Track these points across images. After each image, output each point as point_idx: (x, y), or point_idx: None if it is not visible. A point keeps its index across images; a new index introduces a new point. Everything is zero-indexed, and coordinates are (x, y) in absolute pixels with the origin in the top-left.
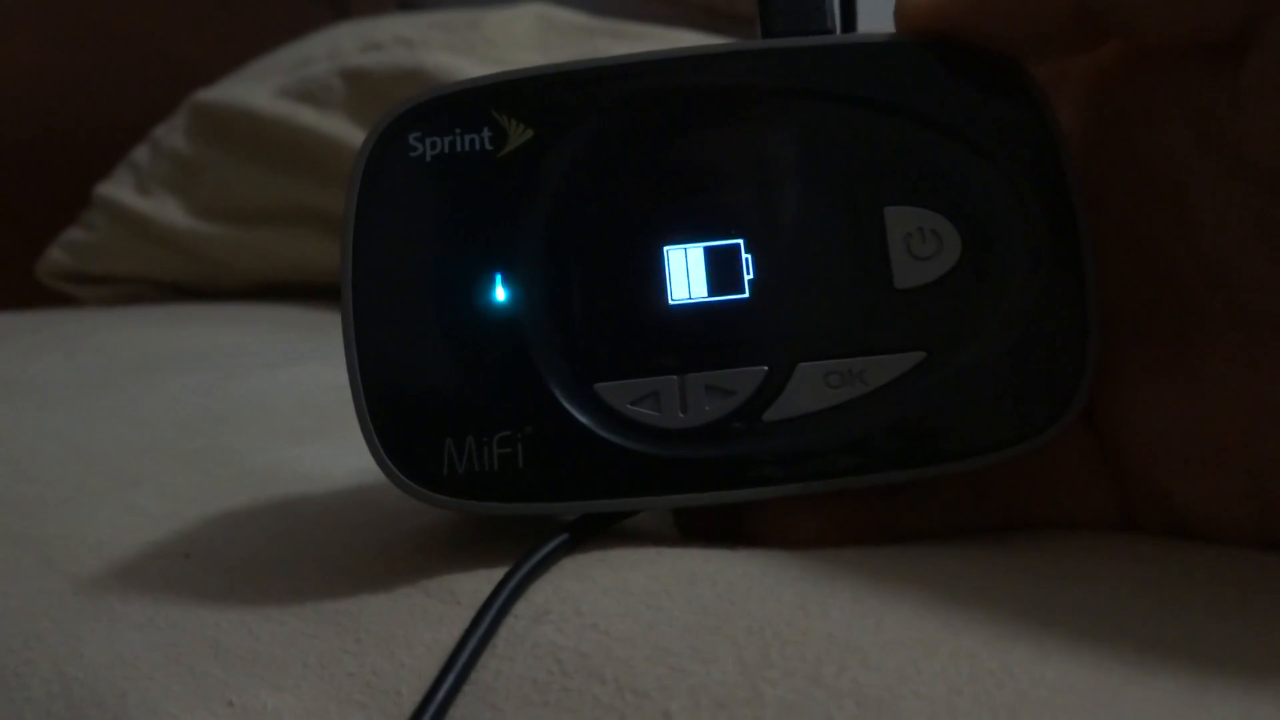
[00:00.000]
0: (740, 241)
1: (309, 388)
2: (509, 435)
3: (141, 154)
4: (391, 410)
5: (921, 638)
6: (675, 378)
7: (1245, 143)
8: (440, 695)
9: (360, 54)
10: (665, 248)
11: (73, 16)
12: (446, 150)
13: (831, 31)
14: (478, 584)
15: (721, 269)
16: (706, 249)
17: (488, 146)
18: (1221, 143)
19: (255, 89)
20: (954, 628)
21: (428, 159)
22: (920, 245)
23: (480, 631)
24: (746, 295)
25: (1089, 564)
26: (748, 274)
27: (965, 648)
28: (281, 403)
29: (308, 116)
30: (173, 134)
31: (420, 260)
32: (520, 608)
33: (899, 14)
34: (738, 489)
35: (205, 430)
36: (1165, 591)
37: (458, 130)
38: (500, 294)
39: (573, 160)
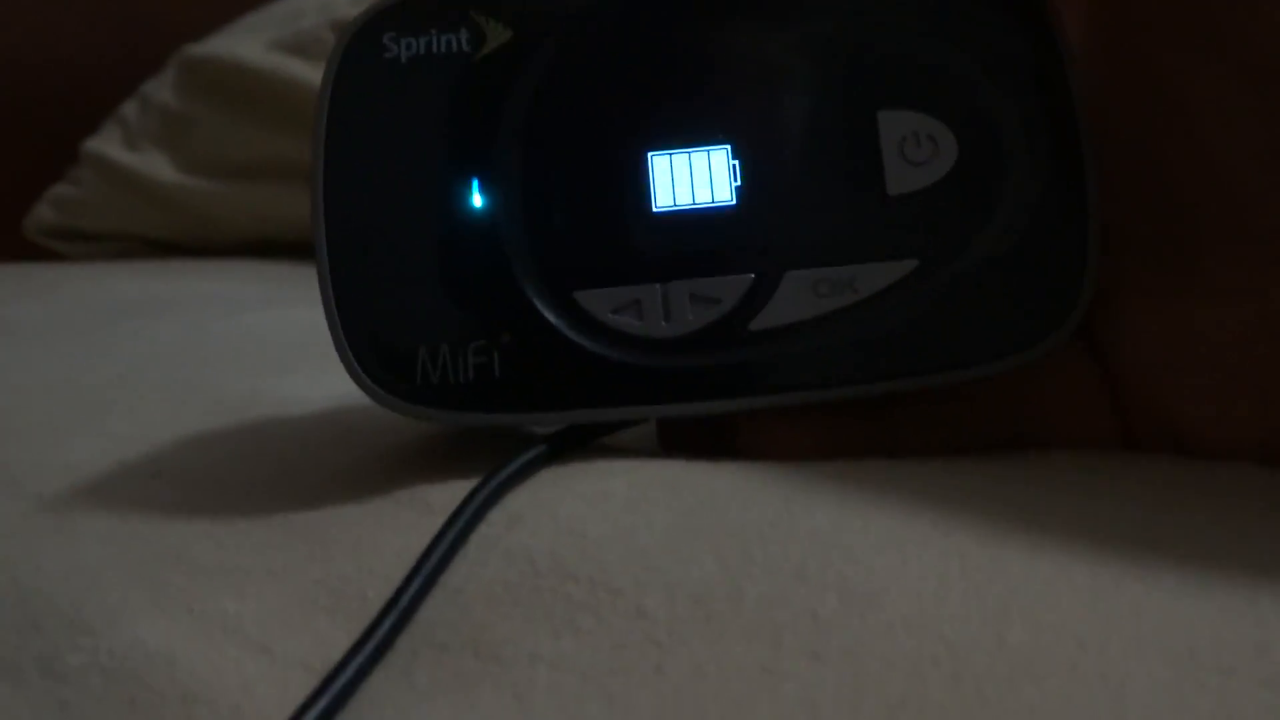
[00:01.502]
0: (727, 146)
1: (291, 327)
2: (485, 344)
3: (130, 109)
4: (364, 319)
5: (910, 536)
6: (658, 286)
7: (1257, 55)
8: (406, 598)
9: (351, 5)
10: (649, 153)
11: None
12: (422, 51)
13: None
14: (452, 493)
15: (707, 175)
16: (692, 154)
17: (465, 48)
18: (1232, 47)
19: (246, 42)
20: (945, 527)
21: (403, 60)
22: (915, 150)
23: (451, 535)
24: (733, 202)
25: (1087, 475)
26: (735, 180)
27: (955, 545)
28: (263, 340)
29: (298, 69)
30: (162, 89)
31: (394, 165)
32: (495, 515)
33: None
34: (722, 400)
35: (179, 364)
36: (1165, 499)
37: (434, 31)
38: (477, 200)
39: (553, 62)
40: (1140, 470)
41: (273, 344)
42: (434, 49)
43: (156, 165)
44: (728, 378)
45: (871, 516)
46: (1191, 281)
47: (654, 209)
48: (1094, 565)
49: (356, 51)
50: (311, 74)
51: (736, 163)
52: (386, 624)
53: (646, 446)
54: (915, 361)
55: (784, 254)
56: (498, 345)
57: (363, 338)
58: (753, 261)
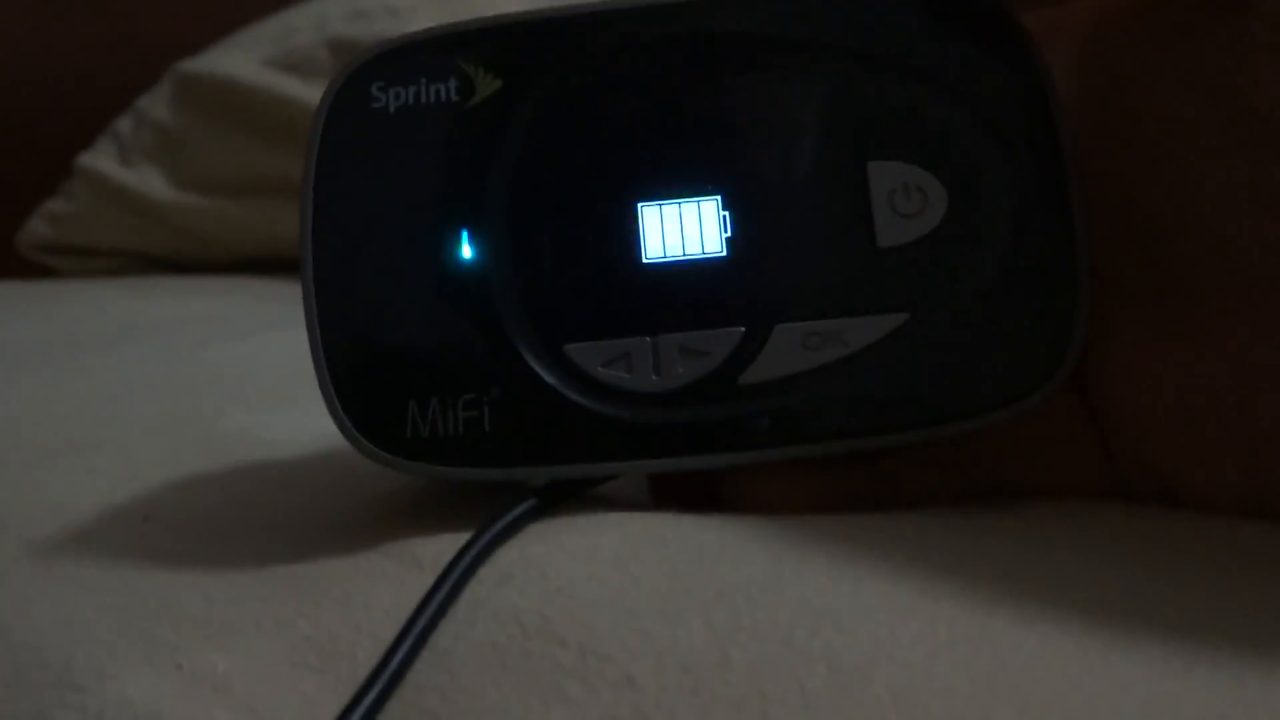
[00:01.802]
0: (718, 197)
1: (282, 355)
2: (475, 398)
3: (124, 124)
4: (353, 372)
5: (899, 603)
6: (648, 339)
7: (1250, 94)
8: (396, 660)
9: (347, 23)
10: (639, 204)
11: None
12: (411, 101)
13: None
14: (441, 548)
15: (697, 227)
16: (682, 205)
17: (454, 97)
18: (1225, 96)
19: (240, 59)
20: (933, 593)
21: (391, 110)
22: (905, 202)
23: (440, 595)
24: (723, 254)
25: (1075, 531)
26: (725, 232)
27: (944, 613)
28: (252, 370)
29: (293, 87)
30: (156, 104)
31: (383, 216)
32: (484, 572)
33: None
34: (713, 455)
35: (172, 396)
36: (1153, 561)
37: (423, 80)
38: (466, 251)
39: (543, 112)
40: (1129, 525)
41: (264, 375)
42: (423, 99)
43: (150, 181)
44: (718, 432)
45: (861, 579)
46: (1180, 331)
47: (644, 260)
48: (1081, 637)
49: (345, 101)
50: (305, 92)
51: (727, 214)
52: (376, 689)
53: (636, 496)
54: (907, 415)
55: (774, 306)
56: (488, 399)
57: (351, 391)
58: (743, 314)
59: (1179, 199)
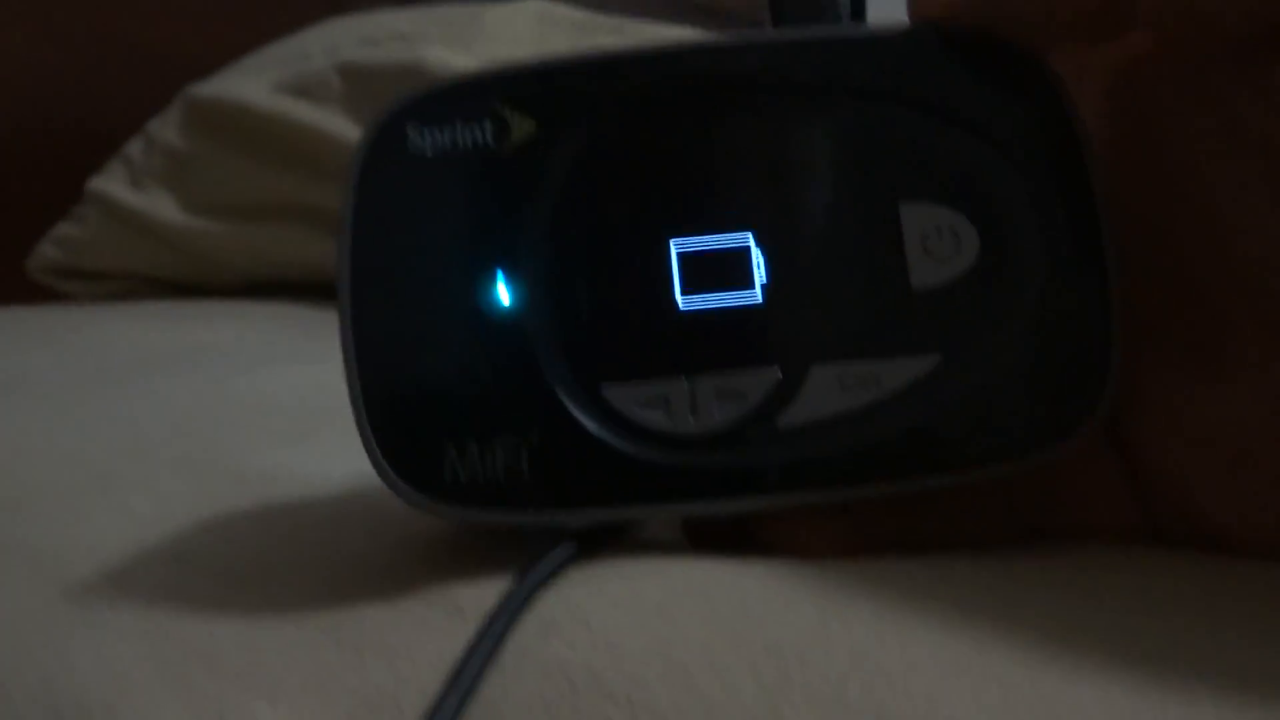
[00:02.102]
0: (751, 238)
1: (306, 387)
2: (513, 441)
3: (135, 148)
4: (391, 415)
5: (949, 656)
6: (684, 381)
7: (1277, 138)
8: (444, 714)
9: (358, 49)
10: (674, 245)
11: (67, 10)
12: (447, 144)
13: (842, 22)
14: (482, 594)
15: (732, 267)
16: (717, 247)
17: (490, 140)
18: (1254, 141)
19: (251, 83)
20: (983, 646)
21: (428, 153)
22: (937, 244)
23: (486, 646)
24: (758, 295)
25: (1119, 578)
26: (759, 272)
27: (995, 669)
28: (277, 403)
29: (304, 112)
30: (166, 128)
31: (420, 259)
32: (527, 620)
33: (913, 2)
34: (751, 497)
35: (199, 431)
36: (1196, 609)
37: (459, 123)
38: (503, 294)
39: (578, 155)
40: (1169, 571)
41: (289, 407)
42: (459, 142)
43: (161, 205)
44: (755, 475)
45: (910, 631)
46: (1214, 375)
47: (680, 302)
48: (1133, 692)
49: (382, 144)
50: (316, 116)
51: (762, 256)
52: None
53: (673, 536)
54: (942, 458)
55: (810, 348)
56: (525, 442)
57: (390, 434)
58: (779, 355)
59: (1211, 245)
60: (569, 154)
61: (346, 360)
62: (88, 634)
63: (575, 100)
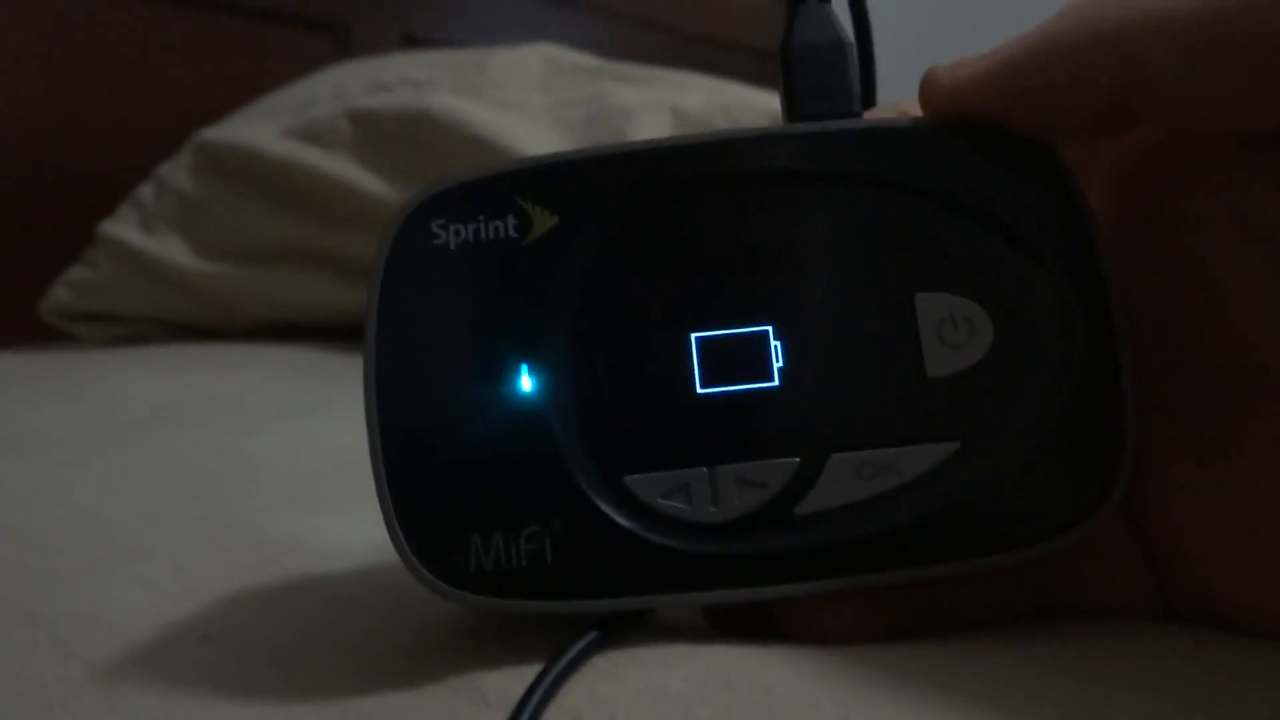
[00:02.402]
0: (769, 328)
1: (320, 446)
2: (537, 531)
3: (146, 192)
4: (416, 506)
5: None
6: (705, 470)
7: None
8: None
9: (366, 95)
10: (693, 335)
11: (76, 53)
12: (471, 238)
13: (857, 115)
14: (507, 683)
15: (750, 357)
16: (735, 336)
17: (512, 234)
18: (1259, 230)
19: (261, 129)
20: None
21: (451, 247)
22: (952, 333)
23: None
24: (776, 384)
25: (1133, 662)
26: (777, 362)
27: None
28: (293, 464)
29: (314, 157)
30: (177, 173)
31: (444, 350)
32: (552, 712)
33: (925, 98)
34: (771, 585)
35: (217, 494)
36: (1214, 694)
37: (481, 218)
38: (526, 384)
39: (598, 247)
40: (1184, 656)
41: (302, 470)
42: (482, 235)
43: (172, 249)
44: (775, 563)
45: None
46: (1227, 456)
47: (699, 392)
48: None
49: (406, 238)
50: (326, 162)
51: (779, 344)
52: None
53: (695, 621)
54: (961, 545)
55: (828, 436)
56: (549, 531)
57: (416, 525)
58: (797, 444)
59: (1220, 329)
60: (590, 246)
61: (372, 449)
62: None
63: (595, 194)
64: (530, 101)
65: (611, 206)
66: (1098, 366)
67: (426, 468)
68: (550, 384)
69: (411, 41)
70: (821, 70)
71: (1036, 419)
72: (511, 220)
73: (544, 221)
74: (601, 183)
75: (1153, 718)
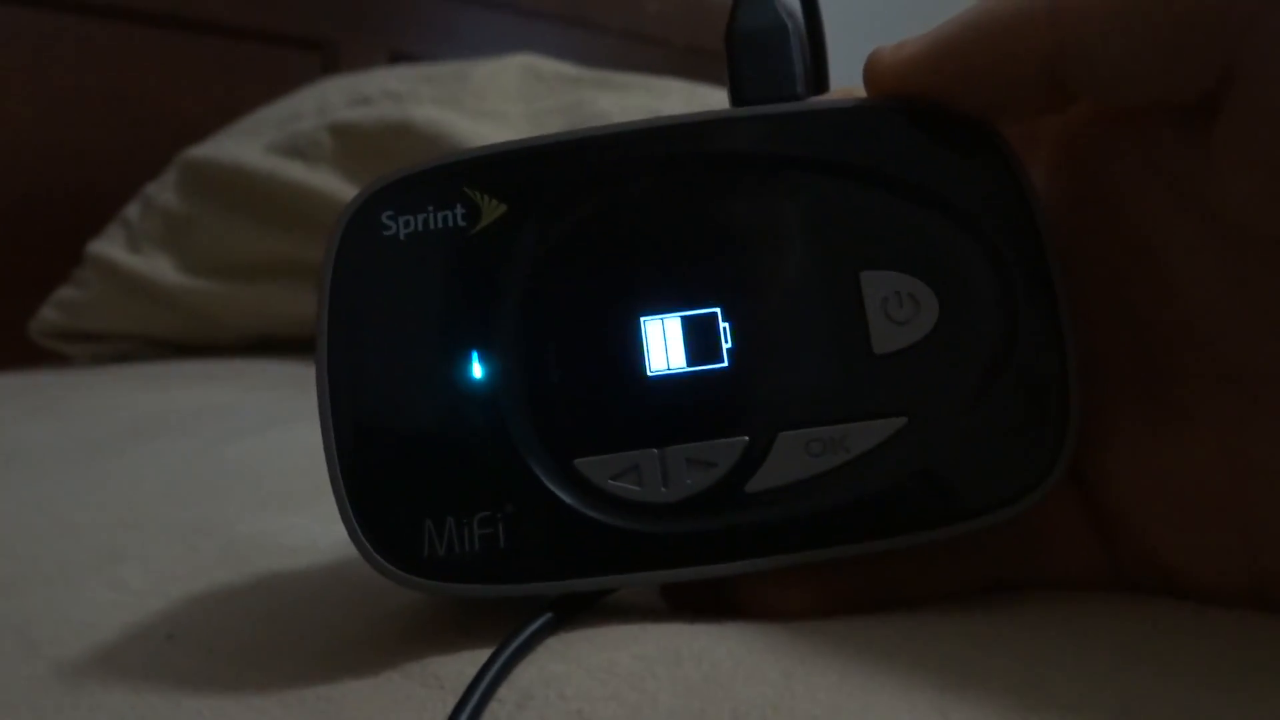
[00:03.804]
0: (718, 310)
1: (298, 451)
2: (489, 515)
3: (133, 211)
4: (370, 493)
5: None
6: (656, 451)
7: (1218, 204)
8: None
9: (349, 108)
10: (642, 319)
11: (63, 75)
12: (420, 228)
13: (801, 98)
14: (461, 666)
15: (699, 338)
16: (684, 319)
17: (461, 223)
18: (1196, 203)
19: (245, 145)
20: (944, 709)
21: (401, 237)
22: (898, 309)
23: (463, 719)
24: (725, 364)
25: (1079, 630)
26: (726, 343)
27: None
28: (271, 468)
29: (297, 172)
30: (164, 191)
31: (396, 340)
32: (504, 691)
33: (868, 78)
34: (722, 563)
35: (194, 499)
36: (1157, 658)
37: (430, 208)
38: (477, 371)
39: (546, 234)
40: (1133, 622)
41: (277, 474)
42: (431, 225)
43: (159, 267)
44: (726, 541)
45: (872, 694)
46: (1173, 425)
47: (649, 374)
48: None
49: (356, 230)
50: (310, 176)
51: (728, 326)
52: None
53: (651, 601)
54: (911, 518)
55: (776, 415)
56: (502, 515)
57: (369, 512)
58: (746, 423)
59: (1163, 299)
60: (538, 233)
61: (325, 439)
62: (76, 716)
63: (542, 182)
64: (510, 110)
65: (559, 194)
66: (1042, 340)
67: (379, 456)
68: (501, 370)
69: (400, 59)
70: (764, 54)
71: (981, 393)
72: (460, 210)
73: (492, 210)
74: (548, 170)
75: (1092, 678)
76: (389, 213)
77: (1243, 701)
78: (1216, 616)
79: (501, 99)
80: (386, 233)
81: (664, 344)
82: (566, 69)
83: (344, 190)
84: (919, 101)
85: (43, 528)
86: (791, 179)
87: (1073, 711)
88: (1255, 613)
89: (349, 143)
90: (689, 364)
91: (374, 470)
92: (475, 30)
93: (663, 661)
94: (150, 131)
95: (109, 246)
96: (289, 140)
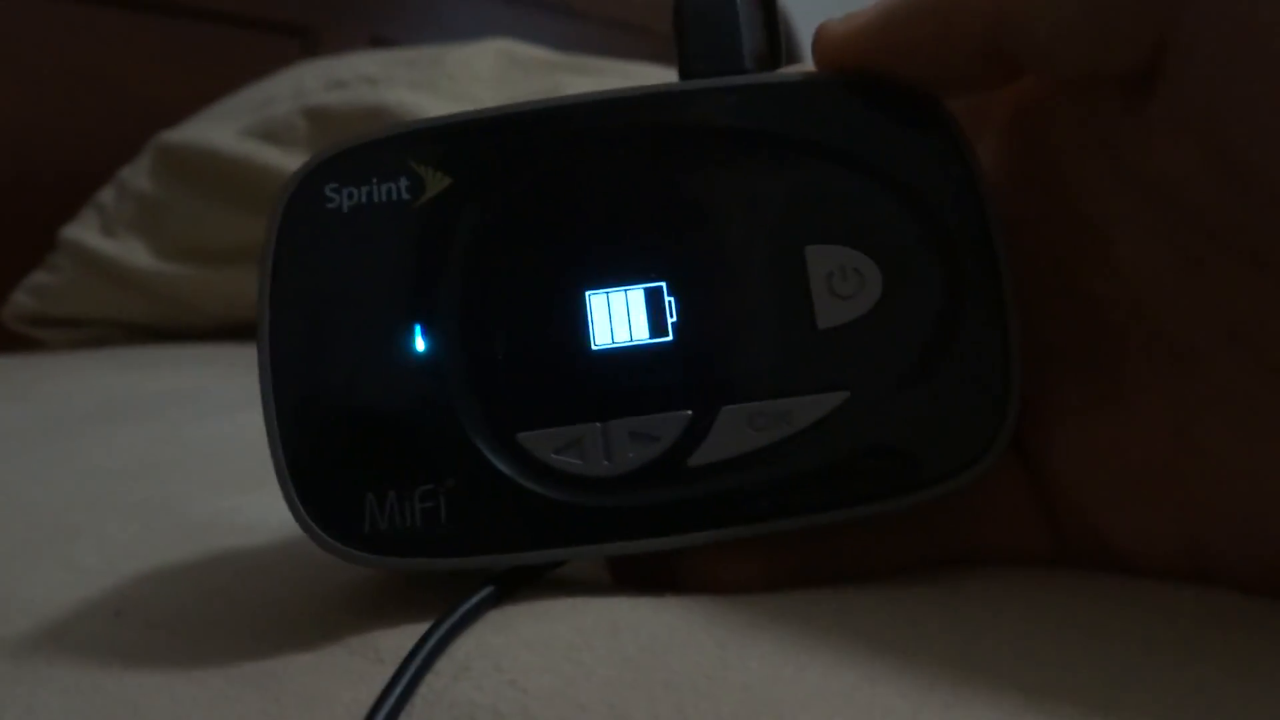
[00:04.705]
0: (663, 284)
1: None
2: (431, 489)
3: (107, 195)
4: (311, 467)
5: (838, 689)
6: (598, 425)
7: (1158, 175)
8: None
9: (324, 92)
10: (587, 292)
11: (38, 58)
12: (364, 200)
13: (749, 71)
14: (402, 640)
15: (645, 312)
16: (628, 292)
17: (405, 195)
18: (1137, 175)
19: (219, 129)
20: (873, 678)
21: (345, 210)
22: (842, 284)
23: (398, 690)
24: (670, 338)
25: (1017, 602)
26: (671, 317)
27: (881, 700)
28: (231, 449)
29: (271, 155)
30: (138, 175)
31: (338, 313)
32: (443, 664)
33: (816, 51)
34: (665, 537)
35: (152, 480)
36: (1094, 628)
37: (374, 180)
38: (420, 344)
39: (490, 207)
40: (1070, 596)
41: (236, 455)
42: (375, 198)
43: (133, 252)
44: (670, 514)
45: (804, 665)
46: (1111, 394)
47: (593, 348)
48: (1012, 717)
49: (299, 203)
50: (284, 160)
51: (673, 300)
52: None
53: (596, 576)
54: (853, 491)
55: (720, 389)
56: (444, 489)
57: (310, 487)
58: (690, 397)
59: (1105, 271)
60: (482, 206)
61: (266, 413)
62: (20, 690)
63: (487, 154)
64: (485, 94)
65: (503, 166)
66: (985, 314)
67: (320, 430)
68: (444, 343)
69: (380, 45)
70: (711, 29)
71: (924, 366)
72: (404, 182)
73: (437, 182)
74: (493, 143)
75: (1024, 650)
76: (332, 185)
77: (1173, 664)
78: (1153, 588)
79: (477, 83)
80: (330, 205)
81: (608, 318)
82: (543, 54)
83: None
84: (866, 75)
85: (4, 507)
86: (737, 153)
87: (1004, 677)
88: (1190, 584)
89: (323, 126)
90: (633, 338)
91: (315, 444)
92: (457, 16)
93: (600, 634)
94: (129, 116)
95: (83, 231)
96: (263, 124)
